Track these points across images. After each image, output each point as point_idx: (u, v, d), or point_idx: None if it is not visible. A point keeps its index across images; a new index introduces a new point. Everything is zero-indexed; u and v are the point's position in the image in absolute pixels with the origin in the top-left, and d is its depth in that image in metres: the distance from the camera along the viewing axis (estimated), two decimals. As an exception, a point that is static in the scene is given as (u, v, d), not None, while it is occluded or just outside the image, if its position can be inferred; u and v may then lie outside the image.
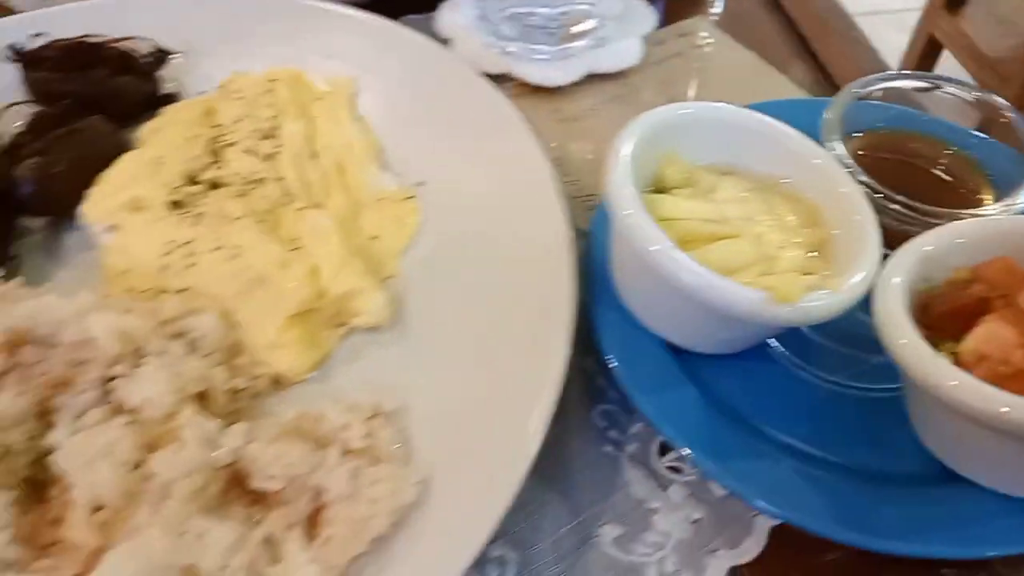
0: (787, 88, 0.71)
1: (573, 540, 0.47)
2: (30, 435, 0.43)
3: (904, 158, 0.56)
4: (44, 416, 0.44)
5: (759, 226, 0.48)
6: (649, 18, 0.77)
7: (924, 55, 2.45)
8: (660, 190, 0.51)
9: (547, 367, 0.45)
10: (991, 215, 0.49)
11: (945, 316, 0.43)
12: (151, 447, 0.42)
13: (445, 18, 0.77)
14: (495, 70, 0.72)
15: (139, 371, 0.44)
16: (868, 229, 0.46)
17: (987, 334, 0.40)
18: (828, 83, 0.72)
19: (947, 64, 2.37)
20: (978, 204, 0.53)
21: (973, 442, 0.42)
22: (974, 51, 2.24)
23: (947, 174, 0.55)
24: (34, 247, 0.57)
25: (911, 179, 0.56)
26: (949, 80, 0.56)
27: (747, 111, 0.52)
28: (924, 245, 0.45)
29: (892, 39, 2.57)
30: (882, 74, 0.57)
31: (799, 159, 0.50)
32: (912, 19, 2.40)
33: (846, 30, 0.76)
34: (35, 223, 0.58)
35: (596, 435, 0.51)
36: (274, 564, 0.40)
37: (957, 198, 0.54)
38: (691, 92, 0.73)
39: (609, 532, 0.47)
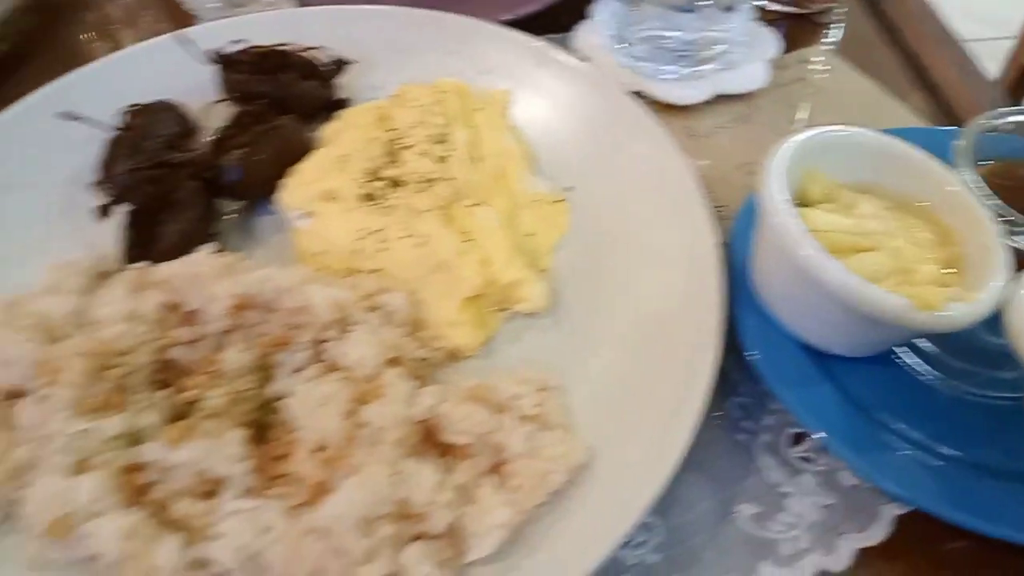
0: (906, 116, 0.76)
1: (713, 515, 0.52)
2: (255, 385, 0.50)
3: (1026, 185, 0.60)
4: (263, 370, 0.52)
5: (896, 241, 0.52)
6: (774, 44, 0.82)
7: (1015, 85, 2.43)
8: (802, 204, 0.56)
9: (699, 361, 0.51)
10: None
11: (1074, 331, 0.47)
12: (359, 400, 0.49)
13: (582, 38, 0.84)
14: (629, 88, 0.78)
15: (349, 336, 0.51)
16: (997, 249, 0.51)
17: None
18: (945, 113, 0.76)
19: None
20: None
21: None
22: (1069, 84, 2.21)
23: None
24: (231, 228, 0.66)
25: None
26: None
27: (887, 136, 0.56)
28: (1053, 264, 0.49)
29: (985, 69, 2.54)
30: (1010, 108, 0.61)
31: (934, 183, 0.55)
32: (1005, 48, 2.38)
33: (963, 63, 0.80)
34: (232, 206, 0.66)
35: (731, 424, 0.56)
36: (467, 505, 0.46)
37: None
38: (812, 116, 0.77)
39: (746, 510, 0.52)
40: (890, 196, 0.56)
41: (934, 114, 0.76)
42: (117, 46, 0.91)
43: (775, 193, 0.50)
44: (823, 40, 0.84)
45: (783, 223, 0.49)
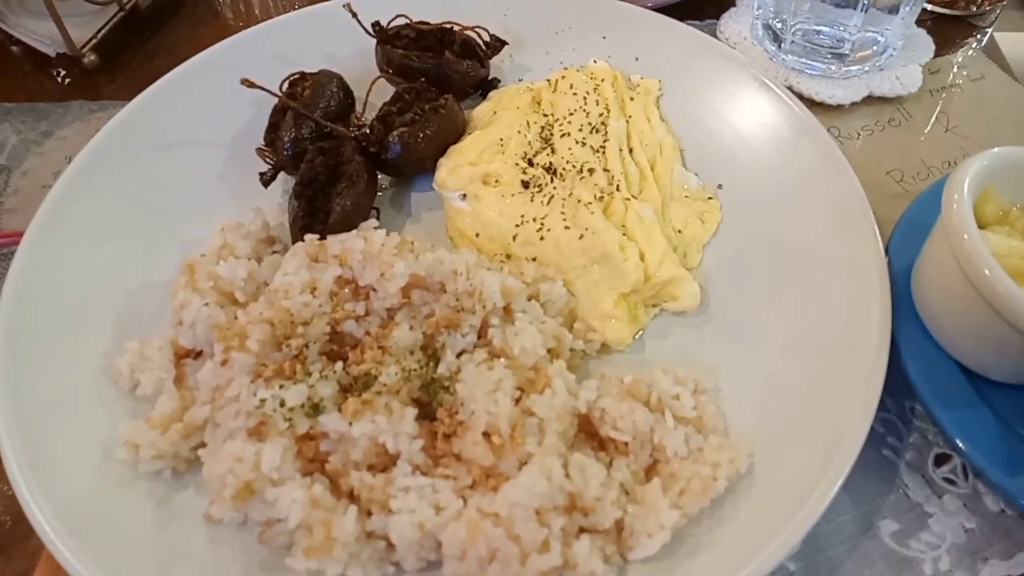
0: (1069, 132, 0.73)
1: (854, 527, 0.53)
2: (422, 364, 0.52)
3: None
4: (428, 348, 0.54)
5: (1074, 270, 0.51)
6: (928, 47, 0.80)
7: None
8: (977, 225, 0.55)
9: (869, 374, 0.51)
10: None
11: None
12: (523, 389, 0.51)
13: (727, 27, 0.83)
14: (776, 82, 0.77)
15: (516, 324, 0.52)
16: None
17: None
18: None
19: None
20: None
21: None
22: None
23: None
24: (385, 202, 0.68)
25: None
26: None
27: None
28: None
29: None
30: None
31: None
32: None
33: None
34: (386, 181, 0.68)
35: (876, 439, 0.56)
36: (631, 503, 0.47)
37: None
38: (967, 124, 0.75)
39: (887, 526, 0.53)
40: (1068, 222, 0.54)
41: (1102, 131, 0.73)
42: (264, 7, 0.93)
43: (963, 212, 0.50)
44: (978, 44, 0.81)
45: (967, 244, 0.49)
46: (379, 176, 0.66)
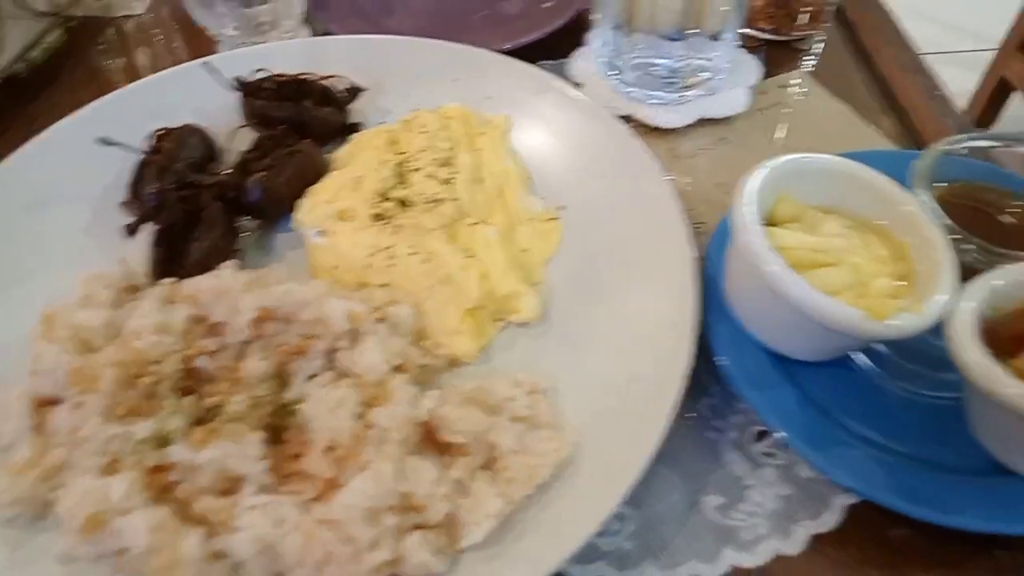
0: (876, 139, 0.81)
1: (683, 505, 0.58)
2: (272, 391, 0.56)
3: (981, 206, 0.66)
4: (280, 377, 0.57)
5: (855, 257, 0.58)
6: (755, 71, 0.88)
7: (994, 96, 2.48)
8: (773, 223, 0.61)
9: (673, 365, 0.56)
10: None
11: (1009, 338, 0.52)
12: (368, 404, 0.55)
13: (576, 65, 0.90)
14: (620, 112, 0.84)
15: (361, 345, 0.57)
16: (947, 265, 0.56)
17: (1041, 354, 0.50)
18: (912, 136, 0.81)
19: (1015, 105, 2.40)
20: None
21: (1020, 440, 0.52)
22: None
23: (1018, 221, 0.64)
24: (250, 244, 0.72)
25: (987, 224, 0.65)
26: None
27: (851, 161, 0.62)
28: (993, 279, 0.55)
29: (962, 79, 2.60)
30: (967, 134, 0.66)
31: (891, 204, 0.60)
32: (979, 60, 2.44)
33: (931, 88, 0.85)
34: (253, 224, 0.72)
35: (701, 423, 0.61)
36: (463, 498, 0.51)
37: (1025, 242, 0.63)
38: (788, 138, 0.83)
39: (712, 501, 0.58)
40: (852, 216, 0.61)
41: (901, 137, 0.81)
42: (142, 67, 0.97)
43: (745, 213, 0.56)
44: (801, 66, 0.90)
45: (751, 240, 0.55)
46: (245, 219, 0.70)
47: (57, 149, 0.75)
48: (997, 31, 2.36)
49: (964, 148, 0.66)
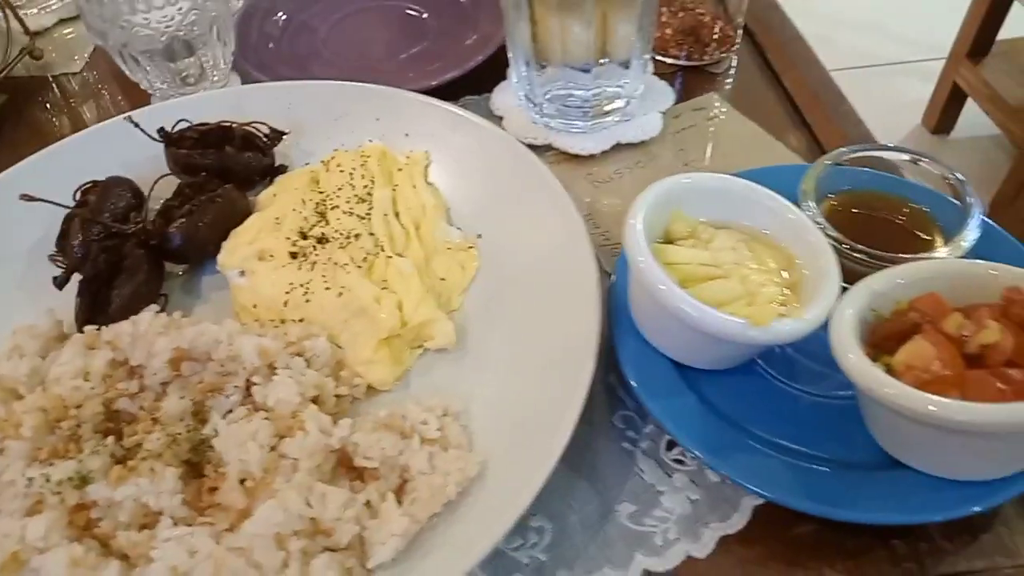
0: (784, 154, 0.85)
1: (596, 515, 0.59)
2: (190, 428, 0.58)
3: (872, 213, 0.69)
4: (199, 414, 0.59)
5: (745, 269, 0.61)
6: (668, 96, 0.92)
7: (948, 104, 2.56)
8: (669, 240, 0.64)
9: (578, 380, 0.58)
10: (934, 258, 0.61)
11: (888, 338, 0.55)
12: (282, 435, 0.57)
13: (497, 99, 0.93)
14: (539, 142, 0.88)
15: (274, 380, 0.59)
16: (830, 271, 0.59)
17: (913, 349, 0.52)
18: (819, 150, 0.85)
19: (971, 111, 2.47)
20: (931, 248, 0.65)
21: (905, 434, 0.54)
22: (996, 99, 2.34)
23: (907, 225, 0.68)
24: (177, 287, 0.74)
25: (877, 230, 0.68)
26: (904, 149, 0.69)
27: (737, 179, 0.65)
28: (873, 283, 0.58)
29: (917, 88, 2.68)
30: (851, 147, 0.70)
31: (777, 215, 0.63)
32: (936, 69, 2.52)
33: (837, 103, 0.89)
34: (178, 269, 0.74)
35: (617, 434, 0.64)
36: (372, 519, 0.53)
37: (915, 244, 0.66)
38: (702, 158, 0.86)
39: (626, 508, 0.60)
40: (743, 229, 0.64)
41: (808, 152, 0.85)
42: (83, 123, 1.00)
43: (634, 233, 0.59)
44: (715, 89, 0.94)
45: (637, 258, 0.58)
46: (172, 264, 0.73)
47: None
48: (949, 41, 2.45)
49: (849, 159, 0.69)
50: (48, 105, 1.04)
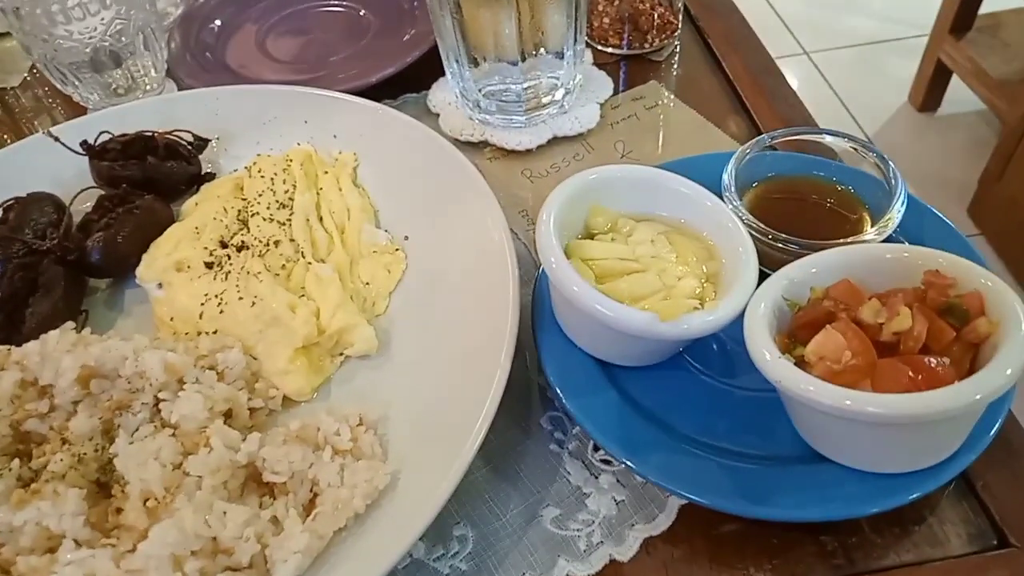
0: (723, 141, 0.83)
1: (520, 520, 0.58)
2: (98, 447, 0.57)
3: (800, 197, 0.67)
4: (108, 432, 0.58)
5: (663, 262, 0.59)
6: (606, 86, 0.90)
7: (934, 81, 2.53)
8: (590, 235, 0.63)
9: (493, 381, 0.57)
10: (852, 243, 0.59)
11: (804, 327, 0.53)
12: (188, 452, 0.55)
13: (435, 96, 0.92)
14: (476, 138, 0.86)
15: (181, 395, 0.57)
16: (748, 261, 0.58)
17: (823, 339, 0.50)
18: (758, 135, 0.83)
19: (957, 87, 2.44)
20: (861, 231, 0.63)
21: (823, 428, 0.53)
22: (980, 74, 2.31)
23: (835, 207, 0.66)
24: (100, 302, 0.73)
25: (806, 215, 0.67)
26: (830, 132, 0.67)
27: (654, 169, 0.64)
28: (790, 272, 0.56)
29: (903, 66, 2.65)
30: (779, 131, 0.68)
31: (696, 205, 0.62)
32: (920, 46, 2.49)
33: (777, 87, 0.87)
34: (100, 283, 0.73)
35: (544, 436, 0.62)
36: (278, 535, 0.52)
37: (844, 228, 0.65)
38: (641, 148, 0.84)
39: (550, 513, 0.58)
40: (663, 220, 0.63)
41: (747, 138, 0.83)
42: (22, 138, 0.98)
43: (543, 234, 0.57)
44: (656, 77, 0.92)
45: (553, 263, 0.56)
46: (96, 279, 0.71)
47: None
48: (932, 17, 2.42)
49: (779, 143, 0.68)
50: (-10, 121, 1.02)
